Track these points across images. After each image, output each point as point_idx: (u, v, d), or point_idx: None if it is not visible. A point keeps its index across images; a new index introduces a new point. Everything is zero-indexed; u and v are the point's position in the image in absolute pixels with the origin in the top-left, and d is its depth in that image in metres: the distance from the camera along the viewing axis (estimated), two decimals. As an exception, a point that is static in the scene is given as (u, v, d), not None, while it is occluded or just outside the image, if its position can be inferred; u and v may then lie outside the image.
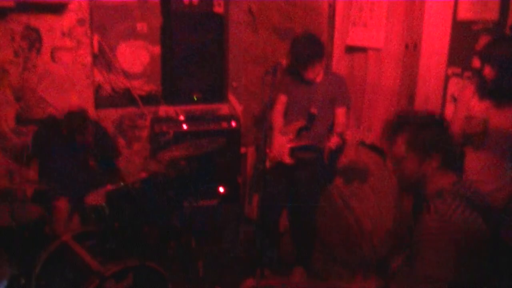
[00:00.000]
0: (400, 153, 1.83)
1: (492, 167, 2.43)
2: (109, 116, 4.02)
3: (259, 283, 3.21)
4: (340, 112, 3.23)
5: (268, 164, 3.34)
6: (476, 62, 2.61)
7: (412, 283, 1.83)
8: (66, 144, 3.35)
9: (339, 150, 3.45)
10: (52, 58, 3.73)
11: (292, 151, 3.27)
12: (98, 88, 4.06)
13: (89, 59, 3.83)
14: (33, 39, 3.65)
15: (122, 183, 3.01)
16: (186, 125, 3.94)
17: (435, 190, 1.79)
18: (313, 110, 3.20)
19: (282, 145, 3.28)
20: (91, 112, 3.87)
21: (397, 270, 1.97)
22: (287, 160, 3.27)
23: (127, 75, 4.12)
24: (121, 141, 4.12)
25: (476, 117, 2.33)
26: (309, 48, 3.09)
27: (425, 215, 1.76)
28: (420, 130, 1.79)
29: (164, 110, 4.16)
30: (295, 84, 3.34)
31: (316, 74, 3.20)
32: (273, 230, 3.65)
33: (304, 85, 3.28)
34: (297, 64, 3.17)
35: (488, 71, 2.32)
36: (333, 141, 2.95)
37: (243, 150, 4.30)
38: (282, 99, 3.45)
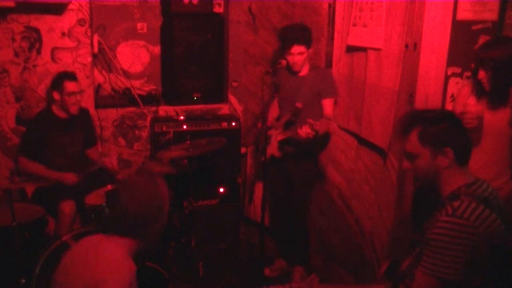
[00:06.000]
0: (413, 148, 1.82)
1: (489, 167, 2.43)
2: (109, 116, 4.03)
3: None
4: (327, 103, 3.30)
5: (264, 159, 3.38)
6: (475, 62, 2.62)
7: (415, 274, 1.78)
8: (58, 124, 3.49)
9: (323, 142, 3.51)
10: (52, 58, 3.73)
11: (280, 145, 3.31)
12: (98, 88, 4.06)
13: (89, 59, 3.84)
14: (33, 39, 3.66)
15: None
16: (186, 125, 3.95)
17: (451, 191, 1.77)
18: (298, 104, 3.27)
19: (272, 139, 3.35)
20: (91, 112, 3.88)
21: (406, 271, 1.90)
22: (276, 153, 3.34)
23: (127, 75, 4.12)
24: (121, 141, 4.12)
25: (471, 112, 2.33)
26: (293, 29, 3.25)
27: (440, 214, 1.72)
28: (431, 124, 1.78)
29: (164, 110, 4.17)
30: (285, 79, 3.42)
31: (302, 61, 3.26)
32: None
33: (292, 79, 3.36)
34: (283, 46, 3.27)
35: (482, 74, 2.34)
36: (303, 131, 2.97)
37: (243, 150, 4.31)
38: (277, 95, 3.53)
